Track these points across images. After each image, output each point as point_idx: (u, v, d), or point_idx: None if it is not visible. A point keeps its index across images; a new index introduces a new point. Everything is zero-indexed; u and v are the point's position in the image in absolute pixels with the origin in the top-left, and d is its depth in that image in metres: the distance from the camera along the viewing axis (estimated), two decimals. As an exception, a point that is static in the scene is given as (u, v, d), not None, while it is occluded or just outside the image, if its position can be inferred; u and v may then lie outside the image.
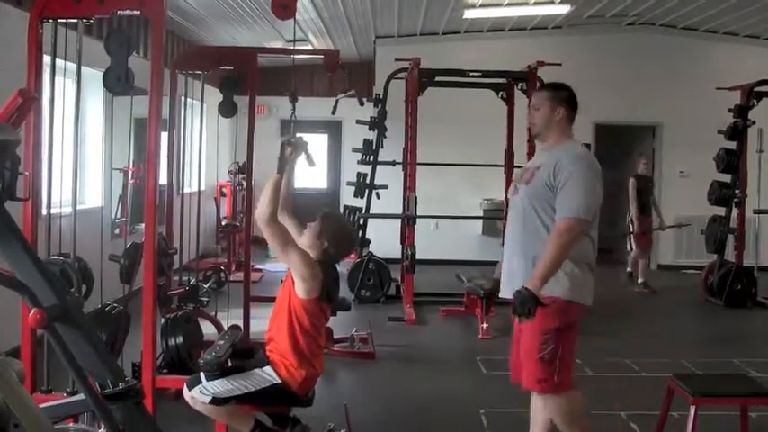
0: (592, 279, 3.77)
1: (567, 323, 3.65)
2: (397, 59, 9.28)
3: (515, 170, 4.10)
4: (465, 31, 12.40)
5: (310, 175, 14.28)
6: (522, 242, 3.76)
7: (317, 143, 14.43)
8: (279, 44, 11.22)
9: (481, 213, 12.24)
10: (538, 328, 3.58)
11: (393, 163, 9.83)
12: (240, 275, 7.45)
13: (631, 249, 10.90)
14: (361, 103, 9.69)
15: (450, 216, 10.54)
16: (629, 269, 11.22)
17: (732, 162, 9.49)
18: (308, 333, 3.76)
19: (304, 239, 3.90)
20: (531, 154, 8.65)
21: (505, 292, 3.78)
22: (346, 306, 6.48)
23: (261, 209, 3.62)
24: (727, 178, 9.62)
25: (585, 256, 3.70)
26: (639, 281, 10.40)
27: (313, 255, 3.83)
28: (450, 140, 11.65)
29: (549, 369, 3.62)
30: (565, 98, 3.85)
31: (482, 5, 10.58)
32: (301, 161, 4.00)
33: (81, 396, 2.15)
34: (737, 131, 9.50)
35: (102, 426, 2.11)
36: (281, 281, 3.97)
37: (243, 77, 6.67)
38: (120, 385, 2.17)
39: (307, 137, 3.99)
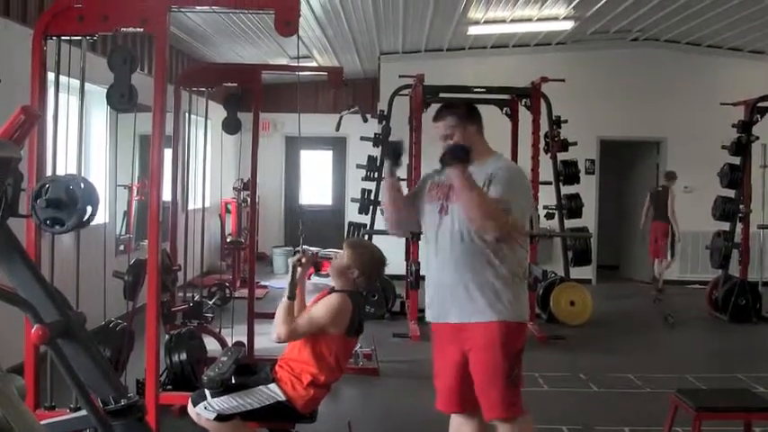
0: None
1: (524, 343, 3.59)
2: (401, 76, 9.31)
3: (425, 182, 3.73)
4: (469, 47, 12.42)
5: (315, 192, 14.39)
6: (467, 266, 3.50)
7: (322, 159, 14.53)
8: (283, 61, 11.28)
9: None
10: (506, 351, 3.45)
11: (398, 179, 9.82)
12: (244, 292, 7.44)
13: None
14: (365, 120, 9.70)
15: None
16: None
17: (736, 177, 9.49)
18: (328, 364, 3.78)
19: (333, 268, 3.88)
20: (534, 170, 8.71)
21: (450, 317, 3.56)
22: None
23: (276, 332, 3.70)
24: (731, 193, 9.62)
25: (524, 270, 3.61)
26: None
27: (339, 285, 3.86)
28: (455, 156, 11.62)
29: (516, 391, 3.53)
30: (468, 115, 3.79)
31: (486, 22, 10.61)
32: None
33: (84, 412, 2.15)
34: (741, 147, 9.51)
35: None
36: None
37: (247, 94, 6.69)
38: (123, 401, 2.17)
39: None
